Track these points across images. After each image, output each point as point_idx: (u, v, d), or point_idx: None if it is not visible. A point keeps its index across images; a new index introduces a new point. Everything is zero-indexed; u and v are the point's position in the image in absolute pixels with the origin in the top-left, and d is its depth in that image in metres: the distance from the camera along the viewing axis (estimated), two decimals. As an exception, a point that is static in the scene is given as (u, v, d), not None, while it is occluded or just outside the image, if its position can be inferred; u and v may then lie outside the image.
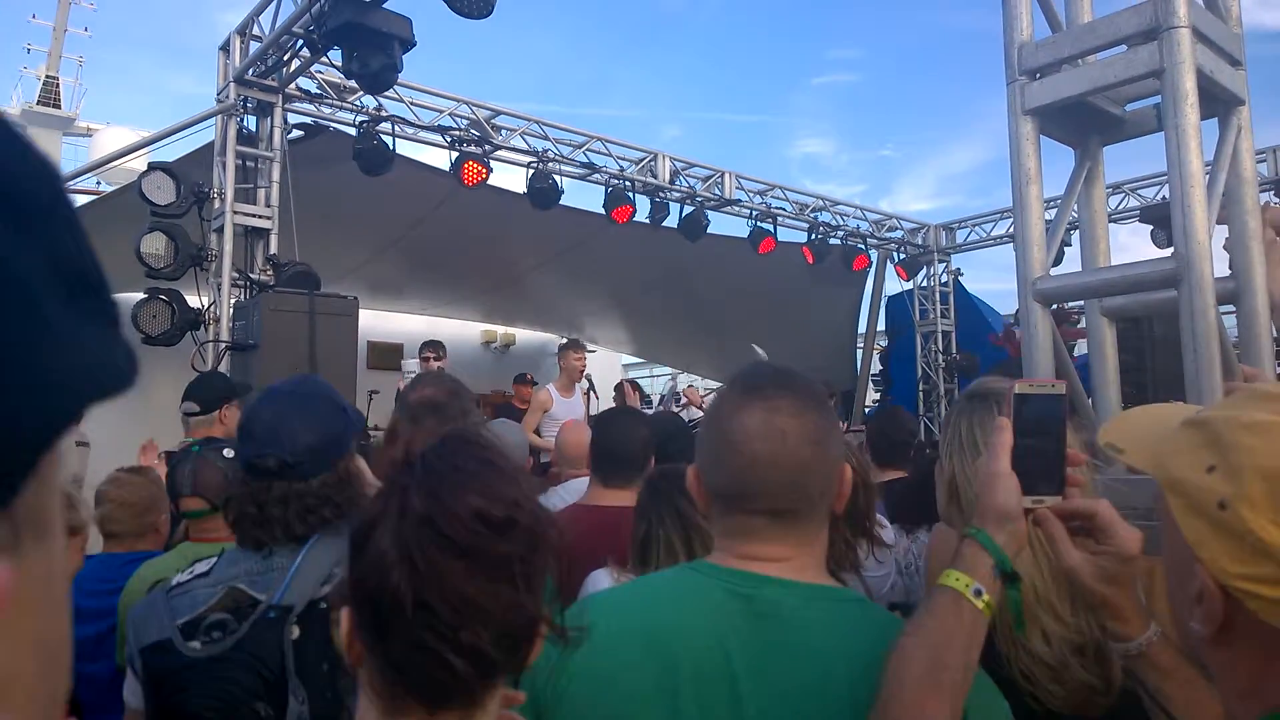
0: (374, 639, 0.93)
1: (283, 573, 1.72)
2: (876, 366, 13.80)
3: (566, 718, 1.23)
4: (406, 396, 2.77)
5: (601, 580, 2.29)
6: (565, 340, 7.99)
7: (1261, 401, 0.89)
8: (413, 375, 5.06)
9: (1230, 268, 3.05)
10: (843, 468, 1.34)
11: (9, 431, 0.30)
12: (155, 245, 6.04)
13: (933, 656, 1.14)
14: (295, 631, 1.65)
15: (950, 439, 1.84)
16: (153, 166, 6.21)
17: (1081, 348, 4.72)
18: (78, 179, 7.58)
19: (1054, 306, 3.27)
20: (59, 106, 30.62)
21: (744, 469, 1.28)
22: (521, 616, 0.96)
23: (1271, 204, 3.27)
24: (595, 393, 8.23)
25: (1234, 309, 3.01)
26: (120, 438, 4.99)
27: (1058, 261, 7.01)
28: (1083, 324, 4.20)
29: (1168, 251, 2.92)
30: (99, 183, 11.10)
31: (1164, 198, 9.29)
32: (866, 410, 12.76)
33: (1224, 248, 3.05)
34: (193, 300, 6.37)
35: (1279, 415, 0.85)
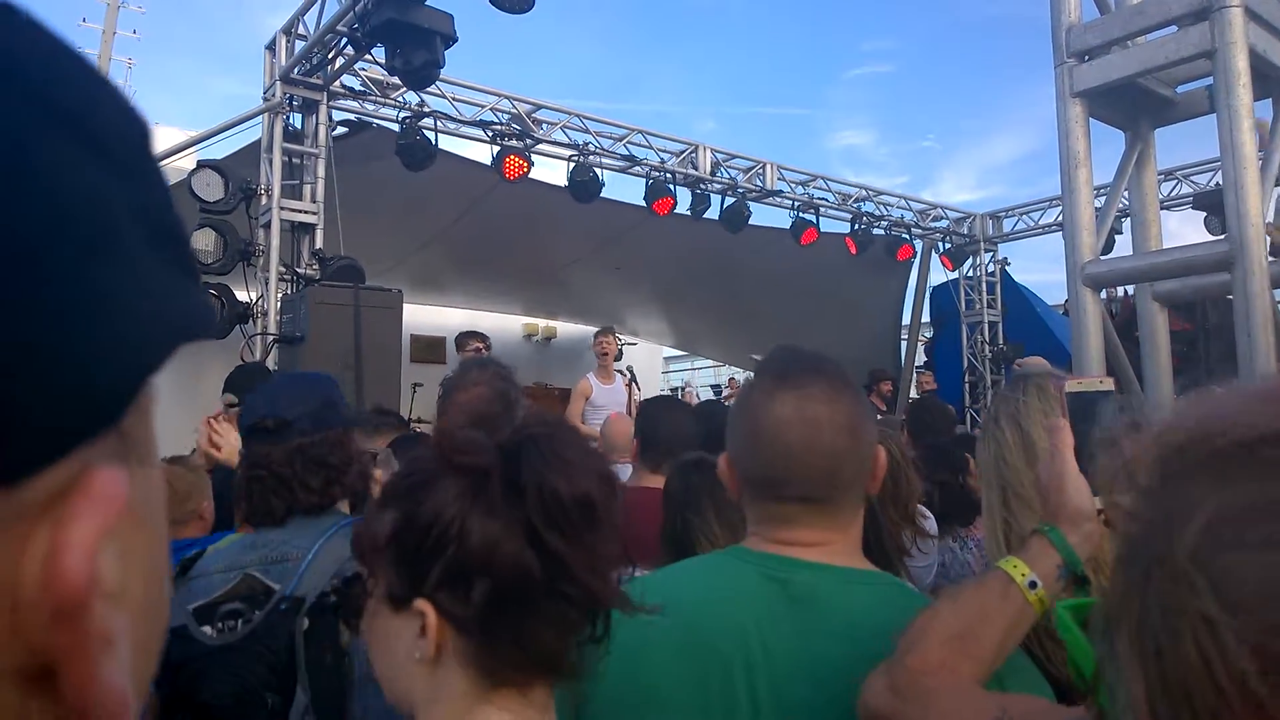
0: (493, 618, 0.94)
1: (297, 563, 1.74)
2: (921, 358, 13.65)
3: (600, 695, 1.22)
4: (454, 394, 2.63)
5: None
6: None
7: None
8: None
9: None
10: (876, 450, 1.33)
11: (122, 350, 0.31)
12: (204, 241, 6.16)
13: (967, 625, 1.13)
14: (305, 623, 1.67)
15: (989, 425, 1.80)
16: (201, 164, 6.32)
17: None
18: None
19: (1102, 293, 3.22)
20: (108, 106, 31.32)
21: (778, 457, 1.28)
22: (616, 590, 1.01)
23: None
24: (637, 383, 8.25)
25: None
26: (170, 428, 5.09)
27: (1107, 249, 6.91)
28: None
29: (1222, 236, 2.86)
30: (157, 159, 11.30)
31: (1218, 184, 9.11)
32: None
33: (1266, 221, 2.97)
34: (241, 294, 6.49)
35: None
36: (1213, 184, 10.13)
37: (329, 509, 1.91)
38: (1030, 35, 3.41)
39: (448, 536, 0.94)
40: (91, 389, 0.30)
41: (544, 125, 8.60)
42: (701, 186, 9.56)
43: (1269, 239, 3.07)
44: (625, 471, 3.26)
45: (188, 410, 5.27)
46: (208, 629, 1.66)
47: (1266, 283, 2.66)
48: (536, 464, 0.96)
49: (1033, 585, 1.15)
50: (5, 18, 0.31)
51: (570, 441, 1.02)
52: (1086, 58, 3.15)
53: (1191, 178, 10.84)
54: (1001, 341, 12.61)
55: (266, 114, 6.80)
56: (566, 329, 14.29)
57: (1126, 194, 3.49)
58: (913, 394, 11.44)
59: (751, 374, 1.45)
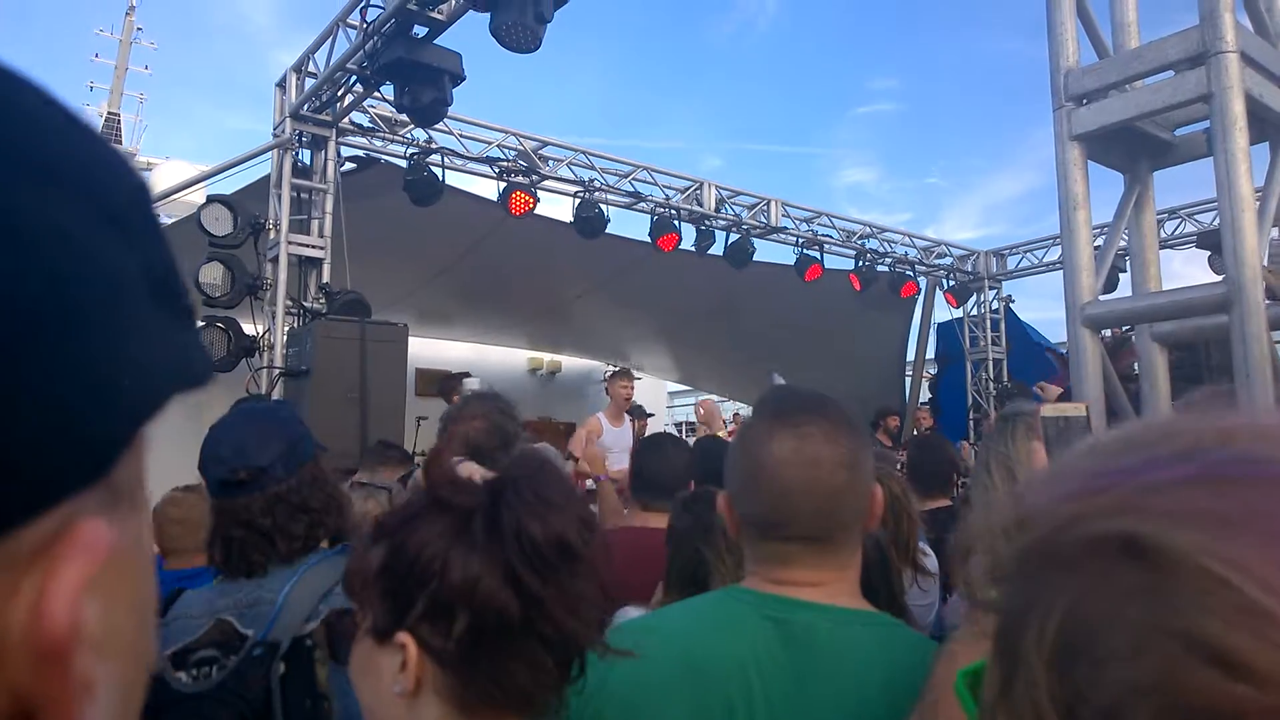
0: (470, 653, 0.96)
1: (270, 605, 1.69)
2: (926, 394, 13.63)
3: None
4: (453, 426, 2.69)
5: (631, 615, 2.26)
6: (615, 369, 8.02)
7: None
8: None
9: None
10: (874, 488, 1.33)
11: (113, 407, 0.32)
12: (213, 275, 6.21)
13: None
14: (281, 668, 1.63)
15: (979, 473, 1.80)
16: (211, 199, 6.40)
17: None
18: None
19: (1105, 332, 3.24)
20: (120, 142, 31.78)
21: (777, 497, 1.27)
22: (595, 633, 1.03)
23: None
24: (642, 419, 8.20)
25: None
26: (176, 460, 5.11)
27: (1111, 288, 6.92)
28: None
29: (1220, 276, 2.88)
30: (159, 214, 11.42)
31: (1220, 223, 9.13)
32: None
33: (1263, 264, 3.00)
34: (248, 328, 6.54)
35: None
36: (1215, 223, 10.16)
37: (311, 550, 1.84)
38: (1034, 75, 3.45)
39: (430, 570, 0.96)
40: (83, 441, 0.31)
41: (550, 162, 8.68)
42: (706, 223, 9.60)
43: (1264, 283, 3.09)
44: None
45: (192, 444, 5.30)
46: (182, 675, 1.62)
47: (1264, 325, 2.67)
48: (515, 506, 0.98)
49: None
50: (12, 88, 0.32)
51: (553, 484, 1.03)
52: (1085, 101, 3.19)
53: (1195, 216, 10.88)
54: (1005, 378, 12.59)
55: (276, 149, 6.88)
56: (571, 363, 14.33)
57: (1126, 234, 3.51)
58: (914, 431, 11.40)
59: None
